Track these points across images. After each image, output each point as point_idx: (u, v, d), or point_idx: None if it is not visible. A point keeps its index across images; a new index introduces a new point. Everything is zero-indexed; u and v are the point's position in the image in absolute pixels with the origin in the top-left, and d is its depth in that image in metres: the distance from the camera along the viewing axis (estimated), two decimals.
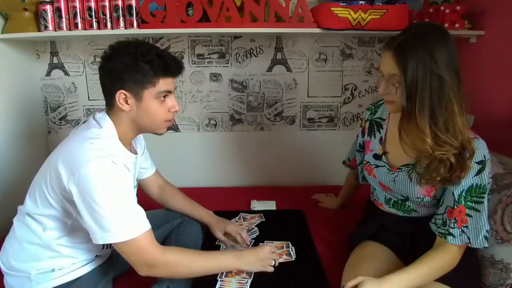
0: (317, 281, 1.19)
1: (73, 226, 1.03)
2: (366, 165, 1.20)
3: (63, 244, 1.05)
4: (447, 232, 0.98)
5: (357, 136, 1.35)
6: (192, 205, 1.40)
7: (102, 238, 0.94)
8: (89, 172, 0.92)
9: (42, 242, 1.04)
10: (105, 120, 1.06)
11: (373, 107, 1.25)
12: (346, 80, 2.00)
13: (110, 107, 1.07)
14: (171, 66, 1.04)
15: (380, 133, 1.18)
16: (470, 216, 0.96)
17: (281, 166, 2.07)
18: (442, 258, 0.97)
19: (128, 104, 1.03)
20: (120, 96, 1.02)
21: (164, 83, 1.04)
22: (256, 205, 1.73)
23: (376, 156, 1.16)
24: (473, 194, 0.96)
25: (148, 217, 1.37)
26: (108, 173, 0.94)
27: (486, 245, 0.96)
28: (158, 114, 1.06)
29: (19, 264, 1.05)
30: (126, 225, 0.94)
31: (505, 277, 1.07)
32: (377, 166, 1.16)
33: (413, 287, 0.94)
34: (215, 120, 2.03)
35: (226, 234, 1.34)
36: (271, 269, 1.13)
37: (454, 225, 0.97)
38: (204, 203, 1.45)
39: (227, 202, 1.77)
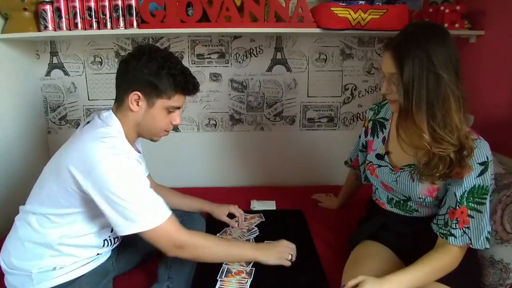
0: (317, 281, 1.19)
1: (76, 224, 1.04)
2: (369, 164, 1.20)
3: (65, 243, 1.05)
4: (448, 233, 0.98)
5: (359, 136, 1.35)
6: (188, 199, 1.45)
7: (128, 229, 0.98)
8: (105, 171, 0.94)
9: (45, 241, 1.04)
10: (112, 119, 1.08)
11: (376, 107, 1.25)
12: (346, 80, 2.00)
13: (120, 103, 1.09)
14: (190, 86, 1.09)
15: (383, 133, 1.18)
16: (472, 217, 0.96)
17: (281, 166, 2.07)
18: (443, 259, 0.97)
19: (138, 106, 1.06)
20: (134, 96, 1.05)
21: (178, 99, 1.09)
22: (256, 205, 1.73)
23: (379, 156, 1.16)
24: (475, 195, 0.95)
25: None
26: (123, 168, 0.97)
27: (488, 246, 0.96)
28: (161, 123, 1.11)
29: (21, 262, 1.05)
30: (150, 214, 0.99)
31: (505, 277, 1.07)
32: (379, 166, 1.16)
33: (413, 287, 0.95)
34: (215, 120, 2.03)
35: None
36: (288, 263, 1.16)
37: (455, 226, 0.97)
38: None
39: (227, 202, 1.75)
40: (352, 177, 1.55)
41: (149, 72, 1.03)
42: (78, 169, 0.96)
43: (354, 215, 1.42)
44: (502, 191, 1.11)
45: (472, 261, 1.10)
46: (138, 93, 1.05)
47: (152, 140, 1.17)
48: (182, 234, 1.03)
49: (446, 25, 1.56)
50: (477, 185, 0.95)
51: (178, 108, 1.12)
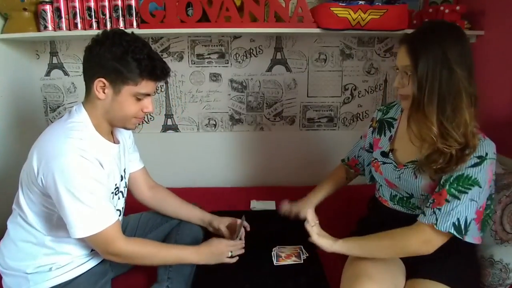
0: (317, 281, 1.19)
1: (59, 220, 1.02)
2: (374, 161, 1.21)
3: (55, 240, 1.05)
4: (421, 211, 1.01)
5: (361, 137, 1.35)
6: (188, 206, 1.36)
7: (71, 233, 0.96)
8: (55, 167, 0.93)
9: (36, 239, 1.04)
10: (80, 111, 1.05)
11: (385, 108, 1.26)
12: (345, 80, 2.00)
13: (88, 93, 1.05)
14: (157, 71, 1.03)
15: (390, 131, 1.20)
16: (448, 201, 0.96)
17: (281, 166, 2.07)
18: (407, 234, 1.01)
19: (104, 93, 1.02)
20: (99, 83, 1.01)
21: (145, 85, 1.03)
22: (256, 205, 1.73)
23: (384, 154, 1.18)
24: (460, 183, 0.96)
25: (147, 217, 1.37)
26: (73, 169, 0.94)
27: (451, 231, 0.94)
28: (130, 110, 1.05)
29: (15, 263, 1.05)
30: (89, 221, 0.96)
31: (505, 277, 1.07)
32: (384, 163, 1.17)
33: (368, 252, 1.05)
34: (214, 120, 2.03)
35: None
36: (229, 261, 1.16)
37: (429, 205, 0.99)
38: (204, 203, 1.45)
39: (227, 202, 1.77)
40: (342, 174, 1.45)
41: (112, 57, 0.98)
42: (36, 162, 0.96)
43: (355, 214, 1.42)
44: (502, 191, 1.11)
45: (472, 261, 1.10)
46: (103, 79, 1.00)
47: (125, 128, 1.12)
48: (119, 244, 1.01)
49: None
50: (465, 174, 0.96)
51: (148, 95, 1.06)
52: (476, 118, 0.96)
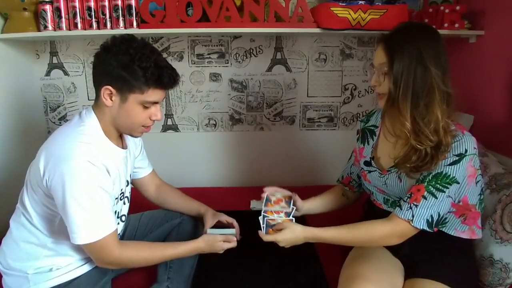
0: (317, 281, 1.19)
1: (61, 223, 1.02)
2: (361, 171, 1.23)
3: (57, 242, 1.04)
4: (397, 204, 1.02)
5: (352, 153, 1.34)
6: (188, 201, 1.37)
7: (72, 238, 0.96)
8: (62, 170, 0.93)
9: (38, 240, 1.04)
10: (89, 116, 1.05)
11: (365, 118, 1.28)
12: (345, 80, 2.00)
13: (96, 98, 1.06)
14: (164, 79, 1.01)
15: (373, 140, 1.20)
16: (425, 198, 0.97)
17: (281, 166, 2.07)
18: (382, 225, 1.02)
19: (112, 100, 1.02)
20: (106, 91, 1.00)
21: (152, 94, 1.01)
22: (256, 205, 1.73)
23: (367, 163, 1.19)
24: (438, 181, 0.97)
25: (148, 217, 1.38)
26: (80, 174, 0.93)
27: (425, 227, 0.97)
28: (137, 118, 1.04)
29: (17, 263, 1.05)
30: (88, 229, 0.96)
31: (504, 276, 1.07)
32: (369, 172, 1.18)
33: (340, 241, 1.06)
34: (214, 120, 2.03)
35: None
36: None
37: (406, 200, 1.00)
38: (204, 203, 1.44)
39: (227, 202, 1.76)
40: (338, 190, 1.38)
41: (118, 65, 0.97)
42: (43, 165, 0.96)
43: (354, 215, 1.42)
44: (502, 191, 1.11)
45: (471, 260, 1.10)
46: (110, 87, 0.99)
47: (132, 135, 1.12)
48: (114, 253, 1.00)
49: (446, 25, 1.56)
50: (444, 172, 0.97)
51: (156, 102, 1.04)
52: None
